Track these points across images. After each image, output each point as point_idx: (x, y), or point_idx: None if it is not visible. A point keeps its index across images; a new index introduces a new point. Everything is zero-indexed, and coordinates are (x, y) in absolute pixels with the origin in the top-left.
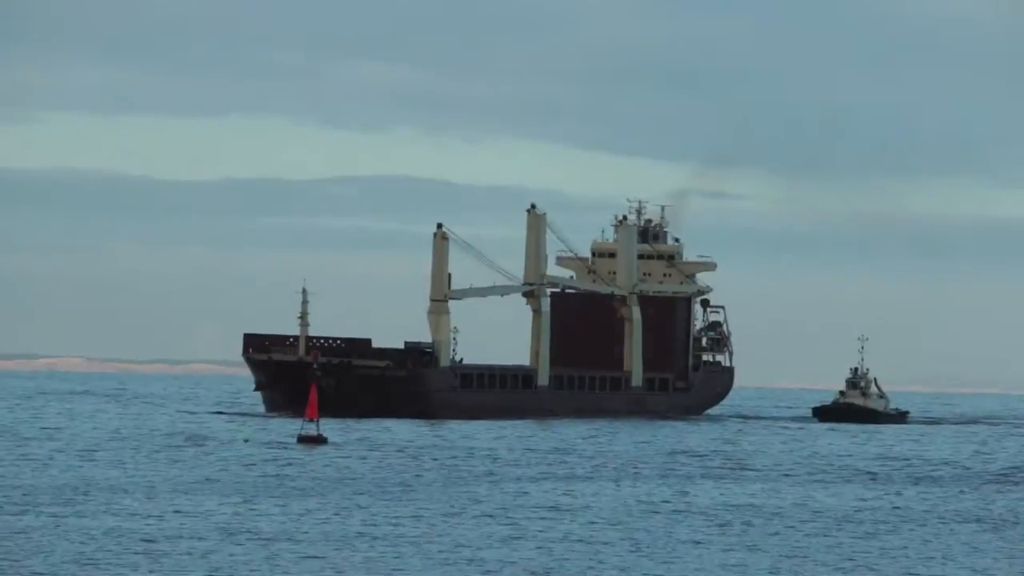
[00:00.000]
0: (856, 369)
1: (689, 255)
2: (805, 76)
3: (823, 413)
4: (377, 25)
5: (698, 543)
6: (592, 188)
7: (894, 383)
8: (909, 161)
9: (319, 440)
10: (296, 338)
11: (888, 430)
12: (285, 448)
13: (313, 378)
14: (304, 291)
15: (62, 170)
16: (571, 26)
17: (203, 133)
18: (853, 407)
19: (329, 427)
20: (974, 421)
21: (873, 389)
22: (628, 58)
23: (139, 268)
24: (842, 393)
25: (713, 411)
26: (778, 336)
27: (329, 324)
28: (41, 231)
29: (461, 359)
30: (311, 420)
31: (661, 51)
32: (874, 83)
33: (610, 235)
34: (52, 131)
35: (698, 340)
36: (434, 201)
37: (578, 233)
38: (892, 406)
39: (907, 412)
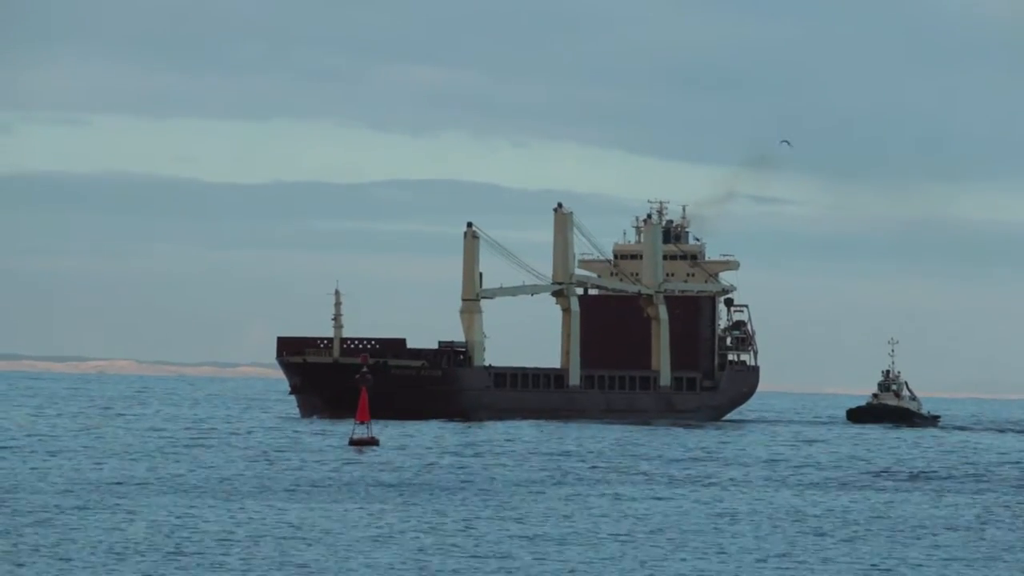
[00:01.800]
0: (888, 372)
1: (711, 254)
2: (849, 79)
3: (856, 415)
4: (425, 28)
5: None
6: (640, 192)
7: (934, 389)
8: (955, 165)
9: (371, 443)
10: (330, 340)
11: None
12: (342, 450)
13: (364, 381)
14: (337, 292)
15: (111, 173)
16: (618, 30)
17: (251, 136)
18: (887, 407)
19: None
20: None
21: (905, 392)
22: (674, 62)
23: (188, 271)
24: (875, 395)
25: (747, 415)
26: (813, 340)
27: (367, 327)
28: (90, 234)
29: (489, 364)
30: (362, 423)
31: (706, 55)
32: (920, 86)
33: (632, 237)
34: (100, 134)
35: (723, 339)
36: (481, 205)
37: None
38: (924, 409)
39: (939, 416)
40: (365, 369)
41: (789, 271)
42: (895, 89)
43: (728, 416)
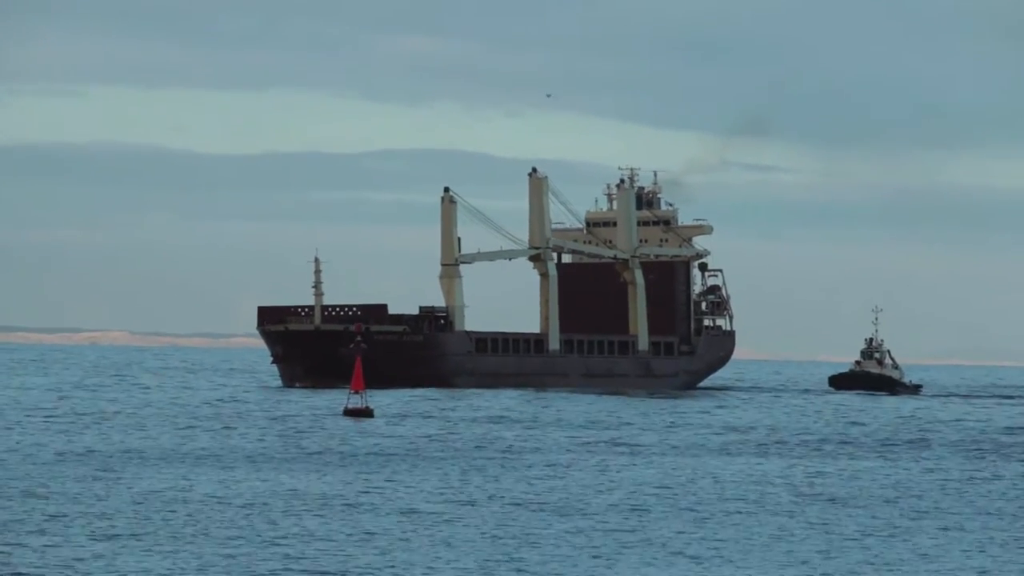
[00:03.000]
0: (871, 340)
1: (690, 220)
2: (841, 47)
3: (839, 381)
4: None
5: None
6: (634, 161)
7: (925, 355)
8: (947, 132)
9: (366, 412)
10: (311, 308)
11: None
12: (335, 421)
13: (358, 350)
14: (317, 260)
15: (104, 143)
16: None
17: (245, 106)
18: (870, 375)
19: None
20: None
21: (888, 360)
22: (669, 30)
23: (181, 242)
24: (858, 363)
25: (725, 383)
26: (801, 307)
27: (350, 295)
28: (84, 205)
29: (468, 330)
30: (357, 392)
31: (700, 22)
32: (912, 54)
33: (604, 204)
34: (94, 105)
35: (698, 304)
36: (474, 174)
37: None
38: (906, 378)
39: (920, 385)
40: (359, 338)
41: (779, 238)
42: (887, 57)
43: (705, 382)
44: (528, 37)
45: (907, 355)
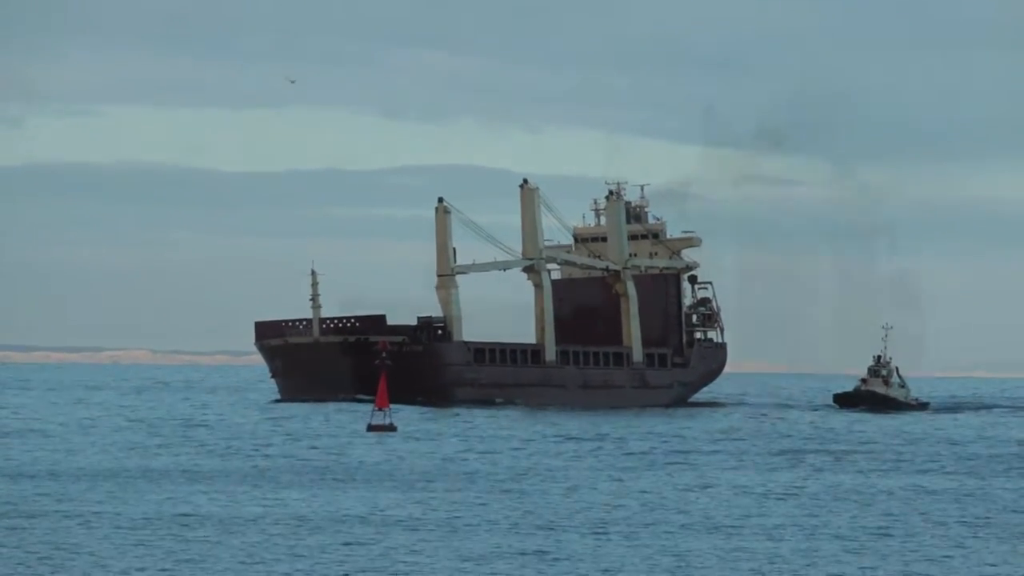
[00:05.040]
0: (879, 357)
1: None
2: (858, 59)
3: (844, 400)
4: (436, 14)
5: None
6: (656, 176)
7: (945, 369)
8: (966, 144)
9: (389, 429)
10: (308, 321)
11: None
12: (362, 437)
13: (384, 367)
14: (313, 273)
15: (125, 163)
16: (630, 13)
17: (265, 125)
18: (875, 395)
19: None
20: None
21: (895, 378)
22: (687, 45)
23: (203, 259)
24: (863, 381)
25: (722, 398)
26: (807, 322)
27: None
28: (105, 224)
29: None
30: (381, 409)
31: (721, 38)
32: (929, 65)
33: (591, 219)
34: (114, 124)
35: (689, 316)
36: (490, 189)
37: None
38: (912, 396)
39: (927, 403)
40: (384, 355)
41: (793, 251)
42: (904, 69)
43: (702, 394)
44: (547, 52)
45: (928, 368)
